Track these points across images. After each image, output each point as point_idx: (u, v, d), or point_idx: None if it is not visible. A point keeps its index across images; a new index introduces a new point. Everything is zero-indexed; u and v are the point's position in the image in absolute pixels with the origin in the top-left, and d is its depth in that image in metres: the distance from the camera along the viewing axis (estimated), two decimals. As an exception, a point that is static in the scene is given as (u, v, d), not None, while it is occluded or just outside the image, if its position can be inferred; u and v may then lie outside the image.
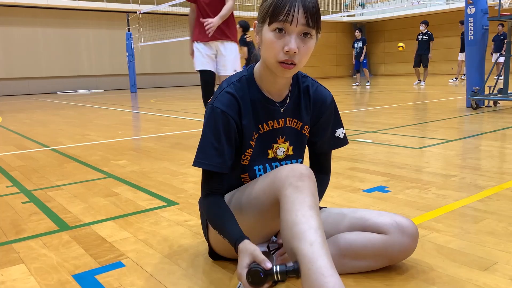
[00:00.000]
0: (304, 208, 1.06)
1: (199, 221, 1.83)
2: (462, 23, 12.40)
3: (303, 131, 1.36)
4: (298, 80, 1.34)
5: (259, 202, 1.21)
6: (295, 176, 1.11)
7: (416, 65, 12.43)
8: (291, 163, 1.36)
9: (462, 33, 12.39)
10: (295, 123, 1.34)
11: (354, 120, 5.34)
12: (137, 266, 1.46)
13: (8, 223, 1.95)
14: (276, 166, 1.34)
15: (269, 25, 1.13)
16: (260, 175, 1.32)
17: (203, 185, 1.28)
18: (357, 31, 13.36)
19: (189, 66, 18.47)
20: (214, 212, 1.22)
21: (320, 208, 1.47)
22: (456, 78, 13.11)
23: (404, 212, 1.91)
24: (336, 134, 1.40)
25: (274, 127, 1.31)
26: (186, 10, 17.02)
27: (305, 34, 1.13)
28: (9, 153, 3.77)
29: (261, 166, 1.33)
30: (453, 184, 2.32)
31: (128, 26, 14.30)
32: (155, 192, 2.37)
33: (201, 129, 1.27)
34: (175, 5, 14.56)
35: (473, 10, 5.83)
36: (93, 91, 16.28)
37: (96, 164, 3.15)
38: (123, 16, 15.12)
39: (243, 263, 1.06)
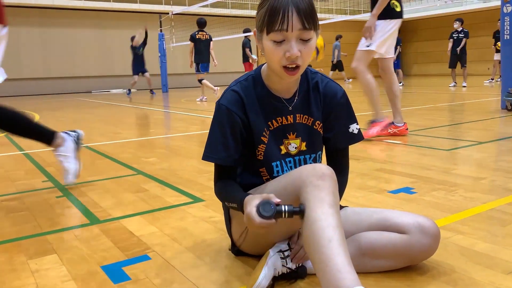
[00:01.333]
0: (324, 206, 1.07)
1: (223, 218, 1.87)
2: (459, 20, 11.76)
3: (314, 126, 1.36)
4: (307, 77, 1.35)
5: (283, 197, 1.22)
6: (316, 175, 1.12)
7: (452, 65, 11.74)
8: (305, 158, 1.38)
9: (497, 32, 11.92)
10: (306, 119, 1.35)
11: (383, 121, 5.27)
12: (162, 259, 1.51)
13: (43, 215, 2.04)
14: (290, 162, 1.36)
15: (267, 34, 1.16)
16: (277, 171, 1.35)
17: (214, 177, 1.36)
18: None
19: (219, 67, 18.64)
20: (224, 189, 1.31)
21: (342, 207, 1.48)
22: (492, 79, 12.67)
23: (429, 213, 1.89)
24: (350, 130, 1.39)
25: (284, 123, 1.33)
26: (217, 11, 17.22)
27: (305, 36, 1.16)
28: (45, 149, 3.91)
29: (278, 162, 1.35)
30: (482, 187, 2.28)
31: (161, 27, 14.57)
32: (182, 189, 2.43)
33: None
34: (206, 5, 14.73)
35: (509, 8, 5.66)
36: (126, 90, 16.65)
37: (127, 161, 3.25)
38: (155, 17, 15.42)
39: (253, 203, 1.10)
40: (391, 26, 3.91)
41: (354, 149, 3.39)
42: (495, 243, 1.55)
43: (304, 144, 1.37)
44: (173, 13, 14.53)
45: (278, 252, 1.31)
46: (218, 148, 1.28)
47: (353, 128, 1.40)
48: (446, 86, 11.85)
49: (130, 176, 2.80)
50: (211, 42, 9.83)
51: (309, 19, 1.14)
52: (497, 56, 12.08)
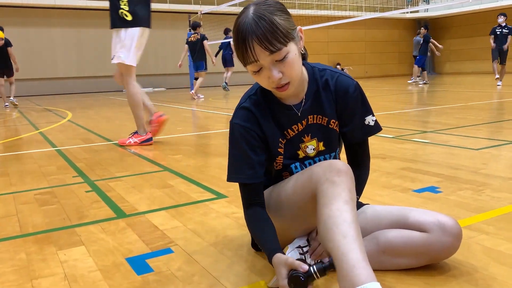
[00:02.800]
0: (339, 202, 1.08)
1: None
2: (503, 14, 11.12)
3: (330, 125, 1.34)
4: (316, 76, 1.32)
5: (297, 198, 1.24)
6: (333, 172, 1.13)
7: (495, 57, 10.99)
8: (325, 158, 1.37)
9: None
10: (320, 119, 1.33)
11: (411, 120, 5.20)
12: (185, 253, 1.55)
13: (72, 209, 2.12)
14: (310, 164, 1.35)
15: (244, 66, 1.19)
16: (297, 171, 1.35)
17: (242, 198, 1.33)
18: (422, 28, 12.83)
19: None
20: (254, 224, 1.28)
21: (363, 205, 1.48)
22: None
23: (453, 213, 1.86)
24: (366, 122, 1.36)
25: (300, 129, 1.33)
26: (245, 9, 17.29)
27: (277, 57, 1.14)
28: (76, 146, 4.06)
29: (297, 164, 1.35)
30: (510, 187, 2.22)
31: (190, 26, 14.73)
32: (206, 185, 2.47)
33: None
34: (235, 5, 14.80)
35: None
36: (156, 89, 16.94)
37: (154, 158, 3.32)
38: (185, 17, 15.61)
39: (282, 274, 1.10)
40: (126, 36, 3.84)
41: (380, 148, 3.36)
42: (521, 244, 1.51)
43: (321, 144, 1.36)
44: (202, 12, 14.67)
45: (297, 247, 1.32)
46: (241, 168, 1.27)
47: (369, 120, 1.37)
48: (480, 85, 11.52)
49: (156, 172, 2.86)
50: (205, 41, 10.32)
51: (272, 41, 1.11)
52: None
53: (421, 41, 12.66)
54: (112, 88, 16.56)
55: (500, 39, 10.95)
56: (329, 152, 1.38)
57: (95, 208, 2.12)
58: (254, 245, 1.52)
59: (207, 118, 6.42)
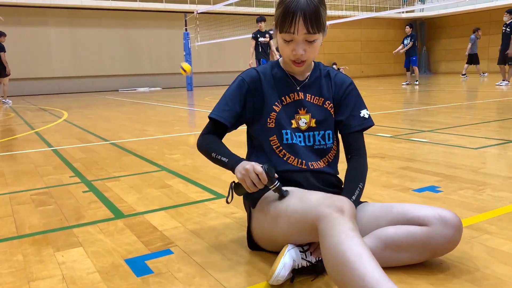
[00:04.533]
0: (346, 230, 1.07)
1: (245, 214, 1.88)
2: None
3: (325, 105, 1.47)
4: (320, 67, 1.53)
5: (295, 218, 1.24)
6: (336, 207, 1.13)
7: (501, 61, 10.69)
8: (314, 134, 1.46)
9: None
10: (316, 100, 1.48)
11: (408, 119, 5.19)
12: (185, 254, 1.53)
13: (70, 210, 2.09)
14: (300, 137, 1.45)
15: (279, 33, 1.36)
16: (287, 138, 1.43)
17: (204, 129, 1.50)
18: (407, 26, 12.49)
19: (244, 65, 18.69)
20: (211, 141, 1.46)
21: (361, 202, 1.47)
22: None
23: (455, 212, 1.84)
24: (361, 114, 1.48)
25: (295, 98, 1.46)
26: (241, 9, 17.25)
27: (309, 38, 1.33)
28: (73, 146, 4.02)
29: (288, 131, 1.44)
30: (510, 186, 2.21)
31: (186, 26, 14.70)
32: (205, 185, 2.45)
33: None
34: (230, 4, 14.79)
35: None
36: (152, 89, 16.89)
37: (151, 158, 3.30)
38: (181, 16, 15.57)
39: (257, 162, 1.33)
40: None
41: (379, 148, 3.35)
42: (524, 244, 1.50)
43: (314, 120, 1.46)
44: (198, 12, 14.64)
45: (297, 246, 1.31)
46: (222, 108, 1.46)
47: (364, 113, 1.48)
48: (476, 84, 11.54)
49: (154, 172, 2.84)
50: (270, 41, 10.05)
51: (313, 24, 1.31)
52: None
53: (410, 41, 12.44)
54: (109, 88, 16.50)
55: (504, 39, 10.56)
56: (318, 129, 1.46)
57: (92, 209, 2.09)
58: (252, 245, 1.51)
59: (204, 118, 6.38)
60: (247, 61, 18.57)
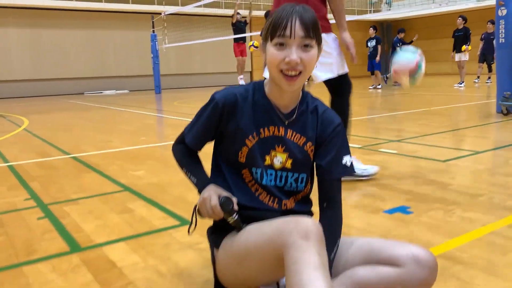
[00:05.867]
0: (309, 268, 0.99)
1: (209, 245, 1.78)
2: (492, 22, 11.66)
3: (305, 147, 1.32)
4: (307, 100, 1.35)
5: (261, 254, 1.15)
6: (300, 233, 1.04)
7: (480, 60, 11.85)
8: (287, 176, 1.33)
9: (457, 30, 11.49)
10: (298, 138, 1.32)
11: (377, 127, 5.21)
12: (144, 297, 1.42)
13: (21, 241, 1.94)
14: (272, 174, 1.32)
15: (271, 40, 1.21)
16: (257, 178, 1.31)
17: (179, 137, 1.42)
18: (370, 28, 12.28)
19: (212, 67, 18.54)
20: (186, 153, 1.40)
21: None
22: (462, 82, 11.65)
23: (427, 238, 1.81)
24: (343, 161, 1.32)
25: (275, 133, 1.31)
26: (211, 11, 17.09)
27: (306, 45, 1.19)
28: (31, 161, 3.81)
29: (258, 170, 1.31)
30: (480, 205, 2.20)
31: (153, 27, 14.43)
32: (169, 209, 2.33)
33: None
34: (199, 6, 14.60)
35: (504, 12, 5.60)
36: (119, 91, 16.53)
37: (114, 175, 3.15)
38: (148, 17, 15.27)
39: (217, 191, 1.28)
40: None
41: (348, 161, 3.30)
42: (496, 275, 1.47)
43: (290, 161, 1.33)
44: (166, 13, 14.39)
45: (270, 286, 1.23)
46: (196, 136, 1.36)
47: (346, 159, 1.33)
48: (441, 86, 11.79)
49: (116, 193, 2.69)
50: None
51: (311, 29, 1.18)
52: (458, 57, 11.54)
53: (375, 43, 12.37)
54: (74, 91, 16.03)
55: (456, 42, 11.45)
56: (293, 171, 1.34)
57: (46, 240, 1.95)
58: (218, 286, 1.41)
59: (171, 126, 6.24)
60: (216, 63, 18.45)
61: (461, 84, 11.46)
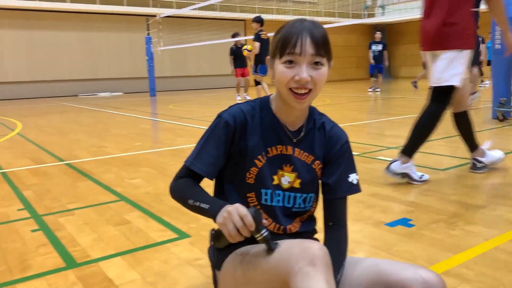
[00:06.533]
0: None
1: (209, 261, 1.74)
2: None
3: (313, 165, 1.29)
4: (314, 116, 1.31)
5: (265, 280, 1.11)
6: (307, 259, 1.01)
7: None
8: (295, 196, 1.29)
9: None
10: (306, 157, 1.28)
11: (375, 133, 5.19)
12: (143, 318, 1.37)
13: (15, 256, 1.89)
14: (279, 195, 1.27)
15: (280, 58, 1.16)
16: (266, 199, 1.26)
17: (179, 172, 1.28)
18: (378, 32, 12.48)
19: (207, 70, 18.49)
20: (188, 183, 1.24)
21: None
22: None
23: (431, 254, 1.78)
24: (350, 179, 1.30)
25: (283, 152, 1.26)
26: (206, 13, 17.04)
27: (316, 63, 1.15)
28: (25, 167, 3.75)
29: (268, 191, 1.26)
30: (482, 218, 2.17)
31: (148, 30, 14.35)
32: (167, 220, 2.29)
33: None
34: (195, 9, 14.54)
35: (501, 18, 5.60)
36: (113, 94, 16.42)
37: (109, 184, 3.09)
38: (143, 20, 15.19)
39: (237, 206, 1.09)
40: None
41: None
42: (504, 295, 1.44)
43: (298, 181, 1.28)
44: (161, 16, 14.32)
45: None
46: (206, 161, 1.23)
47: (353, 178, 1.30)
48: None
49: (112, 203, 2.64)
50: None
51: (321, 46, 1.14)
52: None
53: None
54: (68, 93, 15.91)
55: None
56: (301, 192, 1.30)
57: (41, 255, 1.89)
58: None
59: (167, 131, 6.18)
60: (211, 66, 18.39)
61: None
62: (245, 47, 10.32)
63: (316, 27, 1.15)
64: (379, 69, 12.46)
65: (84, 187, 3.05)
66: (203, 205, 1.17)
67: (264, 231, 1.09)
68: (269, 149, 1.25)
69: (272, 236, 1.10)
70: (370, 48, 12.54)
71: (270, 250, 1.09)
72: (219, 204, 1.15)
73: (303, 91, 1.15)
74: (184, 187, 1.25)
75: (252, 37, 9.51)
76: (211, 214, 1.15)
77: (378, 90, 12.41)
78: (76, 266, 1.78)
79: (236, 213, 1.07)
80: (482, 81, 12.19)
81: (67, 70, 15.79)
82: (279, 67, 1.17)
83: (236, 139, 1.23)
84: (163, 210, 2.46)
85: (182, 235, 2.08)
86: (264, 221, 1.11)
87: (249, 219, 1.06)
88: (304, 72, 1.13)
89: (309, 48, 1.13)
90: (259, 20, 9.26)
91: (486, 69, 12.09)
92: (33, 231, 2.20)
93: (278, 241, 1.11)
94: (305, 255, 1.01)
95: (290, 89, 1.16)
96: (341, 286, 1.24)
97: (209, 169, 1.23)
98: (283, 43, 1.14)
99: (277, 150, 1.26)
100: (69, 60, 15.76)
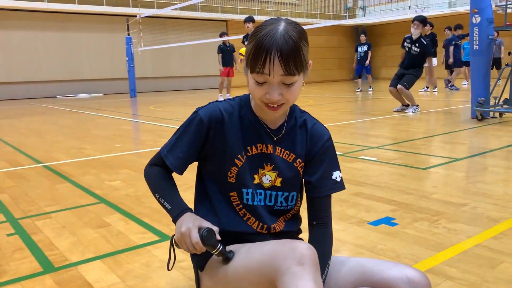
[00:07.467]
0: None
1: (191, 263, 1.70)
2: (449, 29, 12.10)
3: (295, 164, 1.26)
4: (295, 114, 1.28)
5: (251, 280, 1.08)
6: (295, 259, 0.99)
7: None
8: (276, 195, 1.26)
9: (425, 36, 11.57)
10: (287, 155, 1.26)
11: (357, 133, 5.21)
12: (124, 323, 1.33)
13: (-11, 261, 1.82)
14: (261, 194, 1.25)
15: (250, 72, 1.13)
16: (247, 199, 1.24)
17: (154, 159, 1.29)
18: (362, 35, 12.88)
19: (190, 70, 18.37)
20: (161, 175, 1.25)
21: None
22: (427, 87, 11.91)
23: (414, 251, 1.78)
24: (333, 177, 1.27)
25: (263, 151, 1.24)
26: (187, 14, 16.93)
27: (287, 81, 1.11)
28: (1, 170, 3.64)
29: (249, 190, 1.24)
30: (464, 216, 2.19)
31: (128, 30, 14.18)
32: (148, 222, 2.24)
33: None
34: (175, 9, 14.44)
35: (478, 19, 5.70)
36: (93, 95, 16.16)
37: (89, 186, 3.02)
38: (123, 20, 15.01)
39: (196, 223, 1.13)
40: None
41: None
42: (487, 292, 1.44)
43: (279, 180, 1.26)
44: (141, 16, 14.17)
45: None
46: (177, 154, 1.23)
47: (336, 175, 1.27)
48: (416, 91, 11.96)
49: (91, 205, 2.58)
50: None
51: (291, 64, 1.07)
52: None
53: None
54: (46, 94, 15.60)
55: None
56: (283, 191, 1.27)
57: (17, 260, 1.83)
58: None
59: (148, 132, 6.10)
60: (193, 66, 18.28)
61: (433, 89, 11.79)
62: (241, 51, 10.24)
63: (287, 39, 1.07)
64: (367, 69, 12.76)
65: (62, 189, 2.98)
66: (166, 204, 1.21)
67: (218, 246, 1.12)
68: (248, 148, 1.23)
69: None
70: (356, 50, 12.82)
71: (227, 259, 1.14)
72: (180, 208, 1.18)
73: (275, 105, 1.13)
74: (155, 178, 1.26)
75: (240, 36, 9.56)
76: (171, 216, 1.19)
77: (370, 89, 12.82)
78: (54, 270, 1.72)
79: (188, 239, 1.11)
80: (449, 81, 12.36)
81: (45, 71, 15.48)
82: (251, 81, 1.14)
83: (210, 136, 1.21)
84: (144, 212, 2.41)
85: (163, 237, 2.04)
86: (218, 236, 1.13)
87: (200, 246, 1.10)
88: (274, 93, 1.11)
89: (278, 69, 1.07)
90: (253, 20, 9.33)
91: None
92: (9, 235, 2.13)
93: (234, 247, 1.17)
94: (293, 255, 1.00)
95: (263, 101, 1.14)
96: (327, 286, 1.23)
97: (179, 164, 1.23)
98: (253, 59, 1.10)
99: (257, 149, 1.24)
100: (47, 61, 15.45)
